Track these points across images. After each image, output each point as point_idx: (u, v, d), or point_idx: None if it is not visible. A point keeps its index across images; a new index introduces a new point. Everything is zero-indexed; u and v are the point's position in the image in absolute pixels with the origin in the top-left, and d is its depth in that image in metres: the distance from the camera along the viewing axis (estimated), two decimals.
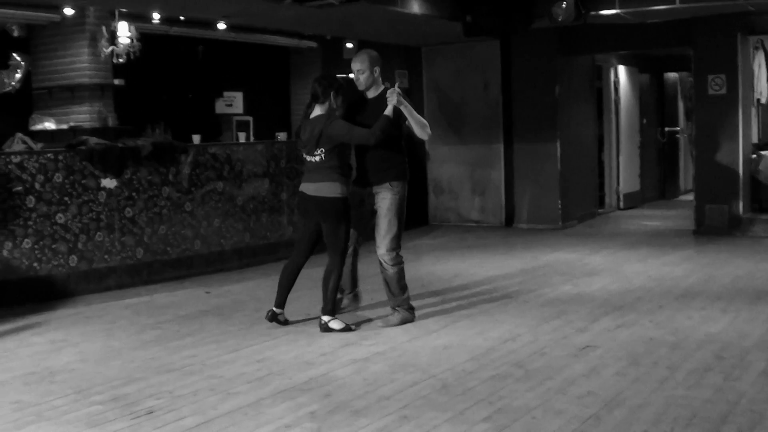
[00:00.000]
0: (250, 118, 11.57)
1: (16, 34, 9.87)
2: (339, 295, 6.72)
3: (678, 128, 16.93)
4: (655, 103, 16.33)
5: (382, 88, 6.60)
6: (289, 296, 6.62)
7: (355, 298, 7.02)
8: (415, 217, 13.04)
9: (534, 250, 10.40)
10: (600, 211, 14.09)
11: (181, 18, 10.56)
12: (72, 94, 9.81)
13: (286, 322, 6.58)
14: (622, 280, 8.27)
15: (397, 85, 6.45)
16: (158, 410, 4.61)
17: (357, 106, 6.65)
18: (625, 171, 14.78)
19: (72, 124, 9.71)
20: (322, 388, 4.96)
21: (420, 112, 6.75)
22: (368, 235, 6.81)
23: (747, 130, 11.48)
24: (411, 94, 13.55)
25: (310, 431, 4.25)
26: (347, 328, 6.35)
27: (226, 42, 11.39)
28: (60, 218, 7.81)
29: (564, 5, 10.09)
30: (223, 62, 11.90)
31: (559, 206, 12.47)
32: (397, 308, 6.59)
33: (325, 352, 5.80)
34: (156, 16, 10.06)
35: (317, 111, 6.43)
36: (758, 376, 5.02)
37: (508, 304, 7.28)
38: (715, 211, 11.29)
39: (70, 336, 6.43)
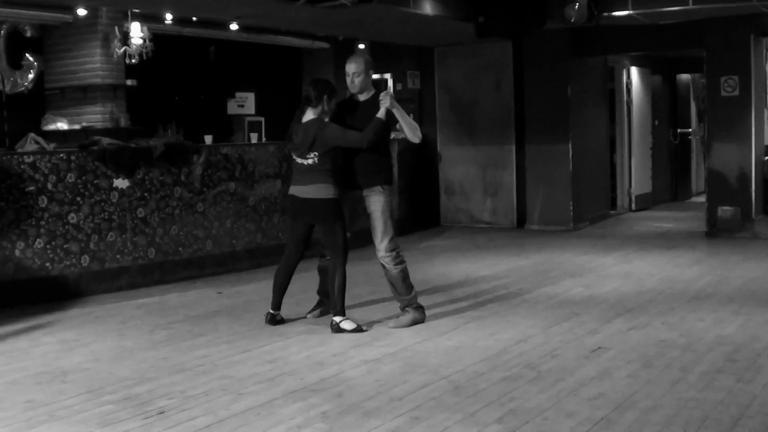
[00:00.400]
0: (262, 119, 11.59)
1: (29, 34, 9.93)
2: (309, 314, 6.83)
3: (690, 130, 16.85)
4: (667, 105, 16.26)
5: (373, 91, 6.66)
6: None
7: (321, 314, 6.87)
8: (426, 219, 13.06)
9: (546, 251, 10.38)
10: (612, 212, 14.04)
11: (194, 19, 10.58)
12: (84, 94, 9.86)
13: (282, 321, 6.68)
14: (634, 282, 8.24)
15: (389, 88, 6.51)
16: (170, 410, 4.62)
17: (346, 108, 6.67)
18: (637, 172, 14.72)
19: (84, 124, 9.76)
20: (333, 388, 4.97)
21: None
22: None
23: (760, 131, 11.44)
24: (423, 95, 13.73)
25: None
26: (359, 329, 6.35)
27: (238, 43, 11.41)
28: (72, 218, 7.84)
29: (576, 6, 10.08)
30: (235, 63, 11.92)
31: (571, 208, 12.44)
32: (407, 309, 6.59)
33: (336, 352, 5.80)
34: (168, 17, 10.09)
35: (309, 115, 6.46)
36: None
37: (519, 306, 7.27)
38: (728, 213, 11.26)
39: (82, 336, 6.45)
